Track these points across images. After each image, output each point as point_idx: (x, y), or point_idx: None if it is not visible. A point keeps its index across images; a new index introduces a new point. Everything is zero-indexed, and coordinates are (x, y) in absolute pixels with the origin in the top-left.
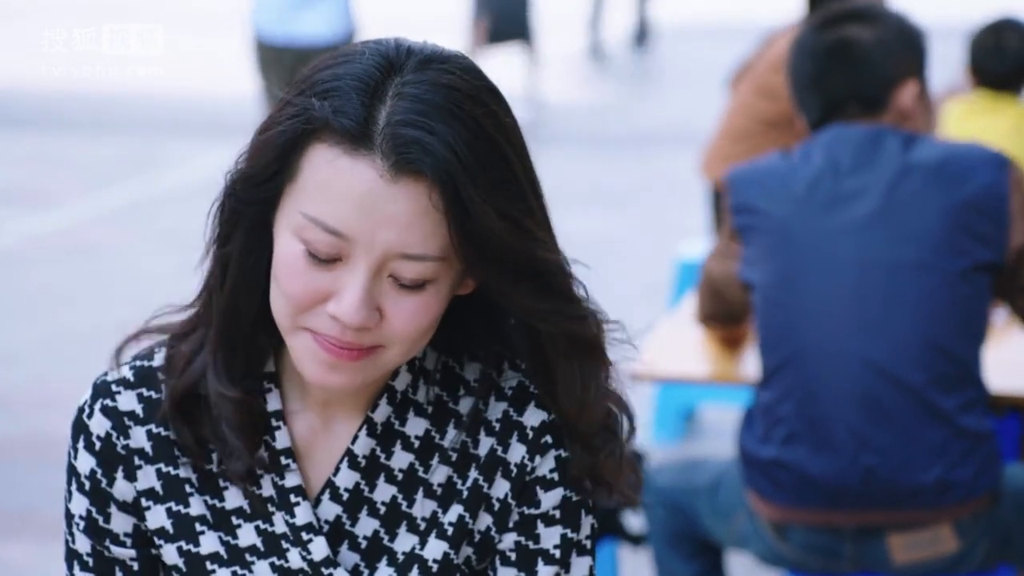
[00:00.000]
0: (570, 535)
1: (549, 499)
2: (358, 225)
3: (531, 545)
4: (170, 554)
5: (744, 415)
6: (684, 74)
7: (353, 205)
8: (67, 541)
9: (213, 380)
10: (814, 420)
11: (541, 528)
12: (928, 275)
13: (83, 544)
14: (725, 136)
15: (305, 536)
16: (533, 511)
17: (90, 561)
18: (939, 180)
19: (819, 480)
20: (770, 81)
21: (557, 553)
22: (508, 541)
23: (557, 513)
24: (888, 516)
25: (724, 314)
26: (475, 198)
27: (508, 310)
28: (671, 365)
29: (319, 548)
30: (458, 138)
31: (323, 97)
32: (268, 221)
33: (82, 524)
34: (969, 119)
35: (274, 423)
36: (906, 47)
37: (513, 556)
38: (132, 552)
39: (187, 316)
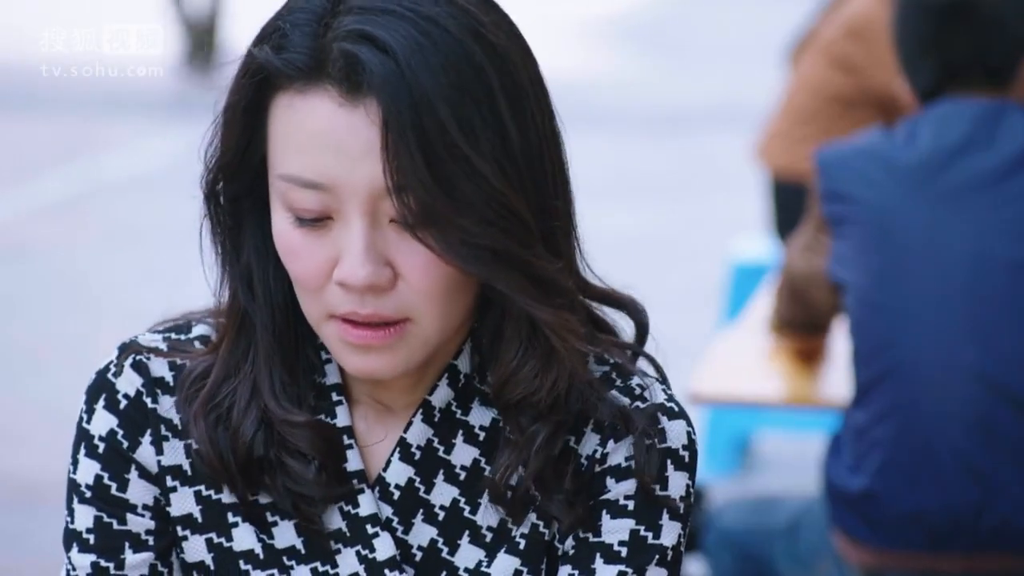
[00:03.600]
0: (643, 533)
1: (621, 488)
2: (332, 168)
3: (591, 538)
4: (196, 547)
5: (831, 441)
6: (726, 42)
7: (320, 147)
8: (67, 522)
9: (276, 408)
10: (916, 445)
11: (605, 519)
12: None
13: (84, 518)
14: (787, 116)
15: (370, 530)
16: (599, 499)
17: (91, 538)
18: None
19: (921, 517)
20: (845, 50)
21: (623, 551)
22: (569, 540)
23: (629, 504)
24: (1003, 562)
25: (804, 321)
26: (419, 123)
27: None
28: (732, 386)
29: (385, 546)
30: (408, 43)
31: (265, 43)
32: (268, 209)
33: (88, 493)
34: None
35: (335, 397)
36: None
37: (571, 552)
38: (151, 524)
39: (212, 360)
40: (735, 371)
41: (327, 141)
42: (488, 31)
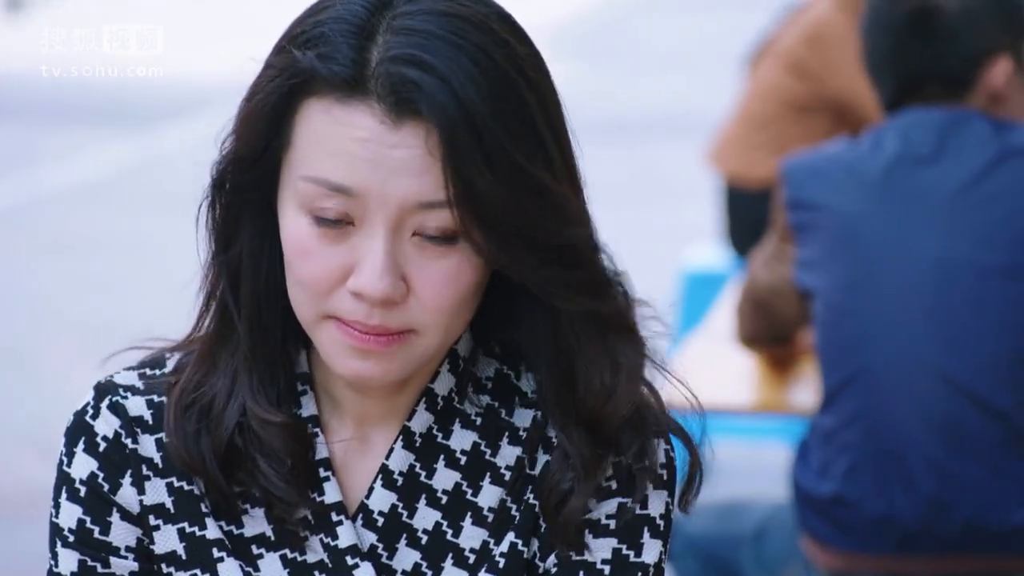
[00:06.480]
0: (625, 551)
1: (603, 508)
2: (366, 176)
3: (573, 556)
4: None
5: (798, 446)
6: (670, 50)
7: (356, 156)
8: (51, 566)
9: (253, 405)
10: (884, 449)
11: (589, 538)
12: (1021, 283)
13: (68, 562)
14: (742, 122)
15: (350, 561)
16: (582, 519)
17: None
18: None
19: (889, 520)
20: (800, 56)
21: (606, 569)
22: (550, 559)
23: (611, 523)
24: (971, 563)
25: (771, 333)
26: (479, 141)
27: (516, 278)
28: (703, 394)
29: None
30: (459, 71)
31: (307, 47)
32: (273, 207)
33: (71, 537)
34: None
35: (311, 428)
36: (999, 16)
37: (554, 570)
38: (134, 566)
39: (193, 350)
40: (695, 379)
41: (364, 153)
42: (525, 63)
